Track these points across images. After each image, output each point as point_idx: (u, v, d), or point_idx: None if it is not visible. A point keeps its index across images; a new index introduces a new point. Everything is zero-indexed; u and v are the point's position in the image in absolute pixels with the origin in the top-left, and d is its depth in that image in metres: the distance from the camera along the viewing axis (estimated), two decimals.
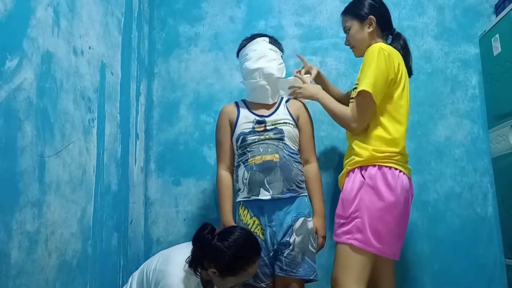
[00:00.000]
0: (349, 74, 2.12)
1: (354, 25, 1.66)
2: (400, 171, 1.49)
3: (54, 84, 1.31)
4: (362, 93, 1.48)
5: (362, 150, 1.51)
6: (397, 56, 1.55)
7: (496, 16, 2.08)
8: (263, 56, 1.76)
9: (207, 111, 2.23)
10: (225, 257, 1.44)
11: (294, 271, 1.62)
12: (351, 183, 1.51)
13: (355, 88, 1.58)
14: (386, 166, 1.47)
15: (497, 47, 1.96)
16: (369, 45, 1.59)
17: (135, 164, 2.03)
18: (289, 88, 1.79)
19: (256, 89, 1.78)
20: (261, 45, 1.78)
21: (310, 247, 1.66)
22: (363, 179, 1.47)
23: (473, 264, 1.98)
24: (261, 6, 2.31)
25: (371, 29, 1.63)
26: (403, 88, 1.55)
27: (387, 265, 1.60)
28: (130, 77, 2.01)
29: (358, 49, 1.68)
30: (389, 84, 1.51)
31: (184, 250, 1.53)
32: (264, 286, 1.66)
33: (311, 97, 1.73)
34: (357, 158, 1.51)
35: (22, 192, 1.13)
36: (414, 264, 1.98)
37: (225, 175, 1.79)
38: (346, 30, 1.70)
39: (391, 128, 1.51)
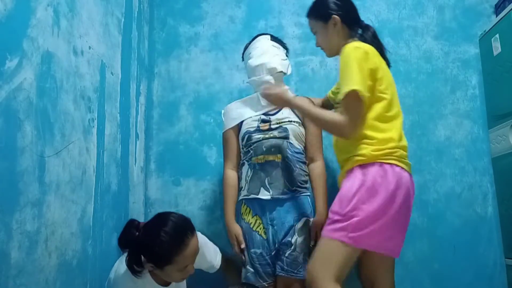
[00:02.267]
0: None
1: (319, 27, 1.61)
2: (402, 168, 1.44)
3: (54, 84, 1.31)
4: (349, 94, 1.40)
5: (361, 149, 1.44)
6: (373, 51, 1.49)
7: (496, 16, 2.08)
8: (265, 52, 1.76)
9: (207, 111, 2.23)
10: (154, 249, 1.38)
11: (296, 271, 1.62)
12: (350, 181, 1.44)
13: (337, 92, 1.52)
14: (387, 163, 1.42)
15: (497, 47, 1.96)
16: (339, 45, 1.55)
17: (135, 164, 2.03)
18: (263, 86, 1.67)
19: (261, 86, 1.78)
20: (262, 42, 1.78)
21: (311, 249, 1.65)
22: (362, 178, 1.41)
23: (473, 264, 1.98)
24: (261, 6, 2.31)
25: (336, 28, 1.57)
26: (387, 82, 1.49)
27: (385, 264, 1.57)
28: (130, 77, 2.01)
29: (328, 50, 1.63)
30: (372, 80, 1.45)
31: (124, 259, 1.48)
32: (266, 285, 1.66)
33: (284, 102, 1.59)
34: (357, 158, 1.45)
35: (22, 192, 1.13)
36: (414, 264, 1.98)
37: (231, 174, 1.78)
38: (313, 32, 1.66)
39: (384, 125, 1.46)
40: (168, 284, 1.54)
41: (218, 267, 1.71)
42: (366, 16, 2.24)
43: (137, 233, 1.44)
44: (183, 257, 1.40)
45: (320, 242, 1.45)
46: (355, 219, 1.37)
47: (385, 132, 1.45)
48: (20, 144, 1.13)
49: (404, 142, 1.51)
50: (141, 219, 2.10)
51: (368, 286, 1.60)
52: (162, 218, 1.45)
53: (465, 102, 2.13)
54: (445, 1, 2.23)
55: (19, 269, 1.10)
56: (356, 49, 1.45)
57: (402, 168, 1.44)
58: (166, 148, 2.22)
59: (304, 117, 1.70)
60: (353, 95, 1.39)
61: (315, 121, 1.59)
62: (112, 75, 1.79)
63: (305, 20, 2.25)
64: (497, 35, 1.95)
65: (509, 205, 1.90)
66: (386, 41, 2.21)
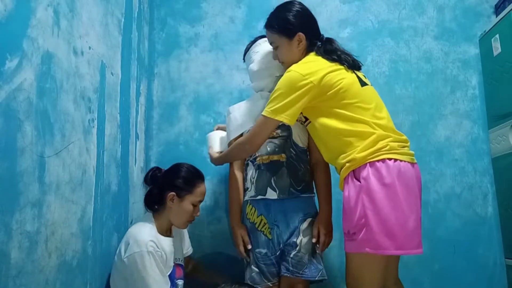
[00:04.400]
0: None
1: (283, 43, 1.58)
2: (395, 159, 1.39)
3: (54, 84, 1.31)
4: (268, 119, 1.48)
5: (349, 155, 1.43)
6: (321, 69, 1.47)
7: (496, 16, 2.08)
8: (264, 57, 1.76)
9: (207, 111, 2.23)
10: (179, 175, 1.66)
11: (301, 272, 1.62)
12: (348, 190, 1.42)
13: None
14: (377, 161, 1.38)
15: (497, 47, 1.96)
16: (300, 59, 1.54)
17: (135, 164, 2.03)
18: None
19: (263, 90, 1.77)
20: (262, 46, 1.78)
21: (316, 248, 1.65)
22: (358, 183, 1.39)
23: (473, 264, 1.98)
24: (261, 6, 2.31)
25: (301, 46, 1.56)
26: (351, 90, 1.46)
27: (395, 261, 1.55)
28: (130, 77, 2.01)
29: (289, 65, 1.56)
30: (326, 97, 1.46)
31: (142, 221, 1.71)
32: (271, 285, 1.66)
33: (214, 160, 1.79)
34: (347, 164, 1.43)
35: (22, 192, 1.13)
36: (414, 264, 1.98)
37: (237, 175, 1.80)
38: (274, 46, 1.63)
39: (361, 125, 1.43)
40: (169, 235, 1.69)
41: (189, 252, 1.88)
42: (366, 16, 2.25)
43: (159, 174, 1.74)
44: (200, 190, 1.67)
45: (347, 257, 1.48)
46: (367, 226, 1.34)
47: (368, 130, 1.43)
48: (20, 144, 1.13)
49: (397, 135, 1.47)
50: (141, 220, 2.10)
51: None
52: (180, 163, 1.74)
53: (465, 102, 2.13)
54: (445, 1, 2.23)
55: (19, 269, 1.10)
56: (298, 77, 1.44)
57: (396, 159, 1.40)
58: (166, 148, 2.22)
59: (227, 161, 1.81)
60: (271, 121, 1.49)
61: (229, 158, 1.73)
62: (112, 75, 1.79)
63: None
64: (497, 35, 1.95)
65: (509, 205, 1.90)
66: (386, 41, 2.22)
